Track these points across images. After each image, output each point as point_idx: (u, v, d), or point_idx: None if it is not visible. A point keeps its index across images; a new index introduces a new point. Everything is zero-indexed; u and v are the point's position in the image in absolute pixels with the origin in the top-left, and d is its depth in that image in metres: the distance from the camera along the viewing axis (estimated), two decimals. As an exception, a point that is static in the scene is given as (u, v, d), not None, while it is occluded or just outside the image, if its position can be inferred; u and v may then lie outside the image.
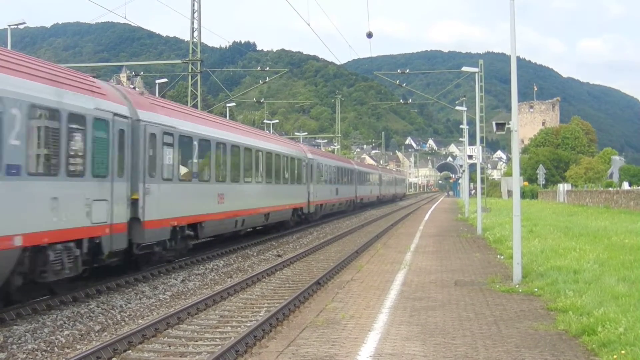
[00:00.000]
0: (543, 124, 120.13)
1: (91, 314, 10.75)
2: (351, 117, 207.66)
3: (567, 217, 30.54)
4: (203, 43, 36.53)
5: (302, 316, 10.11)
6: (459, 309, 9.90)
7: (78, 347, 8.90)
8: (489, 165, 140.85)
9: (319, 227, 32.24)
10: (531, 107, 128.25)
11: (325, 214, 36.73)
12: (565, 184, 60.67)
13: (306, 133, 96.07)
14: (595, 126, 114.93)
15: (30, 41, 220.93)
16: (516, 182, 13.16)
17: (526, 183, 69.42)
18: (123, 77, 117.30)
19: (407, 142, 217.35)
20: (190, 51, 33.82)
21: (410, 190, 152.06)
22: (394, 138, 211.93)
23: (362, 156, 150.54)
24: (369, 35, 36.22)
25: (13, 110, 9.80)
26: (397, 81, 44.17)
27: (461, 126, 47.43)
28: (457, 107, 43.81)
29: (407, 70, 43.13)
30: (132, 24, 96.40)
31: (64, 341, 9.08)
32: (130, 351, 8.62)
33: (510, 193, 57.30)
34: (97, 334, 9.66)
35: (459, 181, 75.30)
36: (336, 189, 39.30)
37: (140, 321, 10.43)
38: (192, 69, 34.32)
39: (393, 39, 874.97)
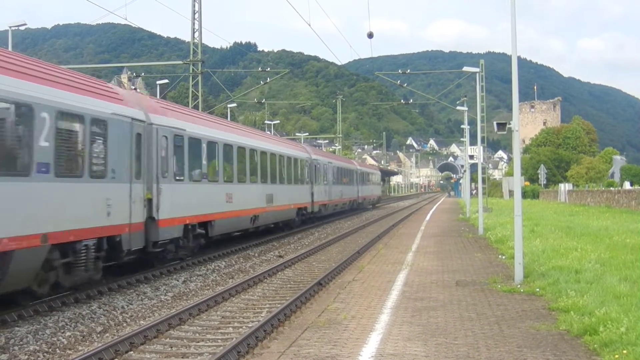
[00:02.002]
0: (544, 123, 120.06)
1: (93, 315, 10.76)
2: (352, 118, 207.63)
3: (569, 217, 30.53)
4: (204, 44, 36.54)
5: (304, 317, 10.11)
6: (461, 309, 9.90)
7: (80, 348, 8.91)
8: (490, 165, 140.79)
9: (321, 227, 32.26)
10: (532, 107, 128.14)
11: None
12: (567, 184, 60.61)
13: (307, 133, 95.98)
14: (596, 126, 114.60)
15: (31, 42, 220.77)
16: (517, 182, 13.13)
17: (527, 183, 69.32)
18: (124, 78, 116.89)
19: (408, 142, 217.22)
20: (191, 52, 33.84)
21: (411, 190, 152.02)
22: (395, 138, 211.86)
23: (364, 156, 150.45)
24: (370, 35, 36.28)
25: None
26: (398, 81, 44.23)
27: (462, 126, 47.40)
28: (458, 107, 43.82)
29: (408, 71, 43.15)
30: (133, 25, 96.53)
31: (65, 342, 9.08)
32: (131, 352, 8.63)
33: (511, 193, 57.20)
34: (98, 335, 9.67)
35: (460, 181, 75.15)
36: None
37: (142, 322, 10.45)
38: (193, 69, 34.34)
39: (394, 39, 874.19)
